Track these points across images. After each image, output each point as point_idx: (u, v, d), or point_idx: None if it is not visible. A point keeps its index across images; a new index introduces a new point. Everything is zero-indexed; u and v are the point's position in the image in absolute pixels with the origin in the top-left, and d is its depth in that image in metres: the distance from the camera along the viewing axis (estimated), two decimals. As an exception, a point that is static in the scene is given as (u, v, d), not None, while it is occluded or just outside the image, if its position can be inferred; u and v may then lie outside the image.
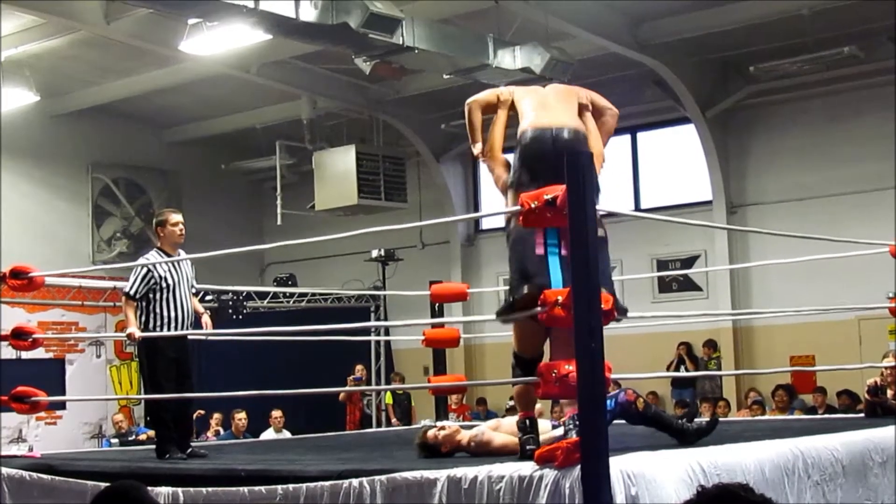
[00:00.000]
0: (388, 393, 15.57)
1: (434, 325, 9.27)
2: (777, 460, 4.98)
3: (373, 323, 14.28)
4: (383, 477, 4.76)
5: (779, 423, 9.51)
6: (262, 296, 15.72)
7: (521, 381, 5.37)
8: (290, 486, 5.01)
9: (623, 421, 5.92)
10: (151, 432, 11.34)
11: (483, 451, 5.63)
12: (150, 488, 4.38)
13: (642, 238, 14.94)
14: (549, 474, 4.28)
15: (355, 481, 4.81)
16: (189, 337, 7.44)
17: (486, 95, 5.85)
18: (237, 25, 11.30)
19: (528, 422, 5.36)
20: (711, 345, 15.18)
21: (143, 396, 11.95)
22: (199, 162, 18.52)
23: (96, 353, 16.95)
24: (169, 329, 7.12)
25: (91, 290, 14.79)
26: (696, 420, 6.00)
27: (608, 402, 5.15)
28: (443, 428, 5.97)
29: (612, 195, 14.54)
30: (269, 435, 12.63)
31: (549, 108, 5.60)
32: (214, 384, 12.39)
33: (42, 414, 15.29)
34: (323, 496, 4.87)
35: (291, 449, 7.83)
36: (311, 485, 4.95)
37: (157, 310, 7.13)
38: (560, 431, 5.39)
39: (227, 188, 18.92)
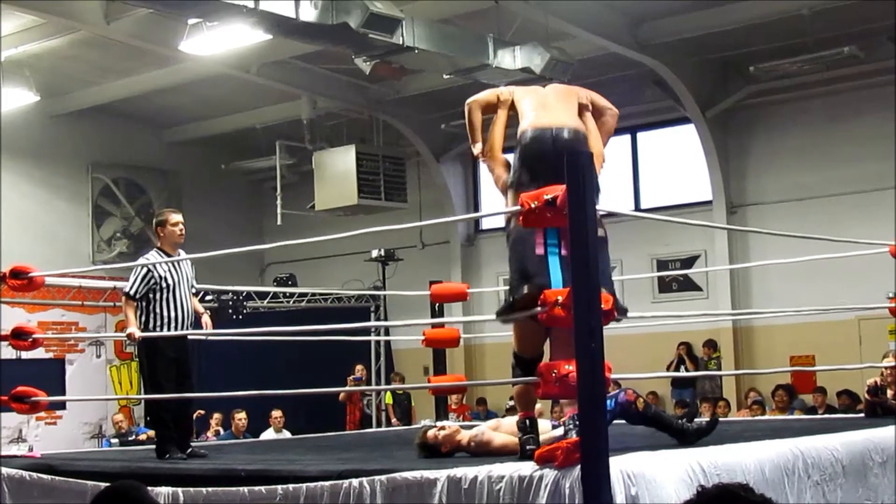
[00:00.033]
0: (388, 393, 15.57)
1: (434, 325, 9.27)
2: (777, 460, 4.98)
3: (373, 323, 14.29)
4: (383, 477, 4.76)
5: (779, 423, 9.51)
6: (262, 296, 15.73)
7: (521, 381, 5.37)
8: (290, 486, 5.01)
9: (623, 421, 5.92)
10: (151, 432, 11.34)
11: (483, 451, 5.63)
12: (150, 488, 4.38)
13: (642, 238, 14.94)
14: (549, 474, 4.28)
15: (355, 481, 4.81)
16: (189, 337, 7.44)
17: (486, 95, 5.85)
18: (237, 25, 11.30)
19: (528, 422, 5.36)
20: (711, 345, 15.19)
21: (143, 396, 11.95)
22: (199, 162, 18.52)
23: (96, 353, 16.95)
24: (169, 329, 7.12)
25: (91, 290, 14.79)
26: (695, 420, 6.00)
27: (608, 402, 5.15)
28: (443, 428, 5.97)
29: (612, 195, 14.55)
30: (269, 435, 12.63)
31: (549, 108, 5.60)
32: (214, 384, 12.39)
33: (42, 414, 15.29)
34: (323, 496, 4.87)
35: (291, 449, 7.83)
36: (311, 485, 4.95)
37: (158, 310, 7.13)
38: (560, 431, 5.39)
39: (227, 188, 18.92)
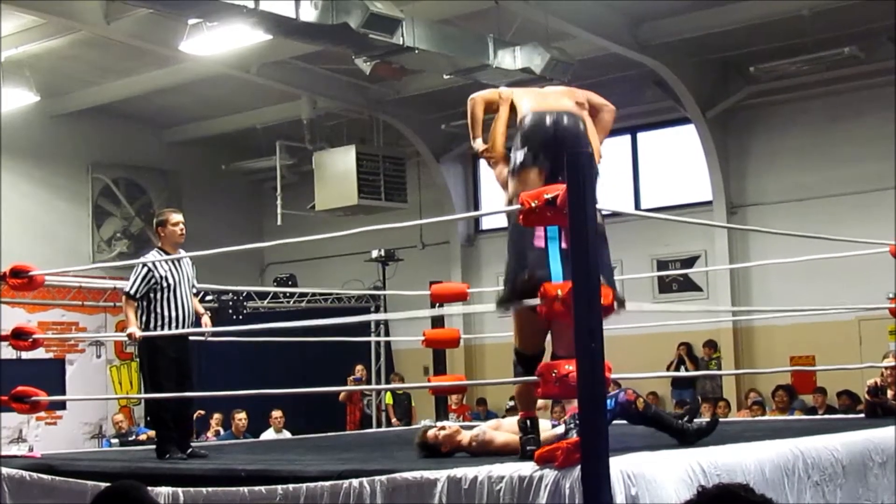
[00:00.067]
0: (388, 393, 15.58)
1: (434, 319, 9.26)
2: (777, 460, 4.97)
3: (373, 316, 14.25)
4: (383, 477, 4.76)
5: (779, 423, 9.51)
6: (262, 296, 15.75)
7: (522, 380, 5.37)
8: (290, 487, 5.01)
9: (623, 421, 5.92)
10: (151, 432, 11.34)
11: (484, 451, 5.63)
12: (150, 488, 4.38)
13: (642, 238, 14.94)
14: (549, 474, 4.28)
15: (355, 481, 4.81)
16: (189, 337, 7.44)
17: (489, 93, 5.88)
18: (237, 25, 11.30)
19: (528, 422, 5.36)
20: (711, 345, 15.19)
21: (143, 396, 11.96)
22: (199, 162, 18.52)
23: (96, 354, 16.95)
24: (169, 329, 7.12)
25: (91, 290, 14.82)
26: (696, 420, 6.00)
27: (608, 401, 5.14)
28: (443, 428, 5.97)
29: (612, 195, 14.56)
30: (269, 435, 12.63)
31: (548, 98, 5.66)
32: (214, 384, 12.39)
33: (42, 414, 15.29)
34: (323, 496, 4.87)
35: (291, 449, 7.83)
36: (311, 485, 4.95)
37: (158, 310, 7.13)
38: (561, 430, 5.39)
39: (228, 188, 18.92)
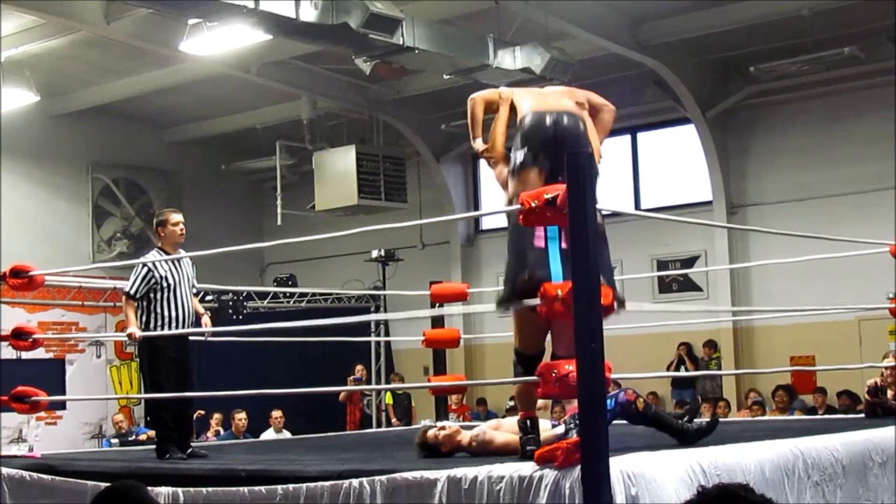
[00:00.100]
0: (388, 393, 15.58)
1: (434, 318, 9.26)
2: (777, 460, 4.98)
3: (373, 316, 14.26)
4: (383, 477, 4.76)
5: (779, 423, 9.51)
6: (262, 296, 15.75)
7: (521, 380, 5.37)
8: (290, 487, 5.01)
9: (623, 421, 5.92)
10: (151, 432, 11.34)
11: (484, 451, 5.63)
12: (150, 488, 4.38)
13: (642, 238, 14.94)
14: (549, 474, 4.28)
15: (355, 481, 4.81)
16: (189, 337, 7.44)
17: (489, 93, 5.88)
18: (237, 25, 11.30)
19: (528, 422, 5.36)
20: (712, 345, 15.19)
21: (143, 396, 11.96)
22: (199, 162, 18.52)
23: (96, 354, 16.95)
24: (170, 329, 7.12)
25: (91, 290, 14.81)
26: (696, 420, 6.00)
27: (608, 401, 5.14)
28: (443, 428, 5.97)
29: (612, 195, 14.56)
30: (269, 435, 12.63)
31: (548, 98, 5.66)
32: (214, 384, 12.39)
33: (42, 414, 15.29)
34: (323, 496, 4.87)
35: (291, 449, 7.82)
36: (311, 485, 4.95)
37: (158, 310, 7.13)
38: (561, 429, 5.39)
39: (228, 188, 18.92)
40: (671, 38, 13.81)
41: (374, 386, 16.97)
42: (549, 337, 5.45)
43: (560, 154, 4.72)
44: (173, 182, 18.32)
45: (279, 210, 16.59)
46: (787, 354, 14.44)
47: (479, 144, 5.84)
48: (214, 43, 12.45)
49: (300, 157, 17.04)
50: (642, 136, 16.18)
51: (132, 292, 7.14)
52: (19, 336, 7.45)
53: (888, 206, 13.24)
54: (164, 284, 7.13)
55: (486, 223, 17.51)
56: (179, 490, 5.38)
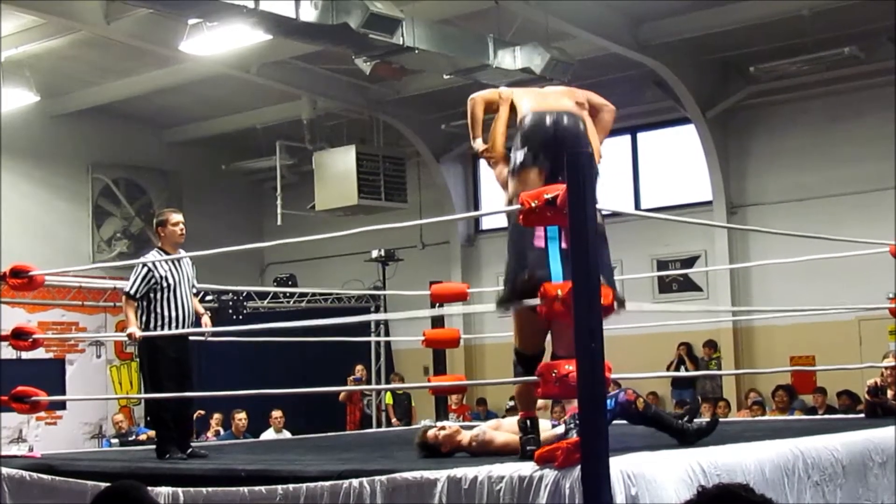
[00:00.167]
0: (388, 393, 15.58)
1: (434, 319, 9.26)
2: (777, 460, 4.98)
3: (373, 316, 14.27)
4: (383, 477, 4.76)
5: (779, 423, 9.51)
6: (263, 296, 15.75)
7: (521, 380, 5.37)
8: (290, 487, 5.01)
9: (623, 421, 5.92)
10: (151, 432, 11.34)
11: (484, 451, 5.63)
12: (150, 488, 4.38)
13: (642, 238, 14.94)
14: (549, 474, 4.28)
15: (355, 481, 4.81)
16: (189, 337, 7.44)
17: (489, 93, 5.88)
18: (237, 26, 11.30)
19: (528, 422, 5.36)
20: (712, 345, 15.19)
21: (143, 396, 11.96)
22: (199, 162, 18.53)
23: (96, 354, 16.95)
24: (170, 329, 7.12)
25: (91, 290, 14.81)
26: (696, 420, 6.00)
27: (608, 401, 5.14)
28: (443, 428, 5.96)
29: (612, 195, 14.56)
30: (269, 435, 12.63)
31: (547, 98, 5.67)
32: (214, 384, 12.39)
33: (42, 414, 15.29)
34: (323, 496, 4.87)
35: (291, 449, 7.82)
36: (311, 485, 4.95)
37: (158, 310, 7.13)
38: (561, 429, 5.40)
39: (228, 188, 18.92)
40: (671, 39, 13.81)
41: (374, 386, 16.97)
42: (549, 337, 5.46)
43: (560, 154, 4.72)
44: (173, 182, 18.32)
45: (279, 210, 16.59)
46: (787, 354, 14.44)
47: (478, 144, 5.84)
48: (214, 43, 12.45)
49: (300, 157, 17.04)
50: (642, 136, 16.18)
51: (132, 292, 7.14)
52: (19, 336, 7.45)
53: (888, 207, 13.24)
54: (164, 284, 7.13)
55: (486, 223, 17.51)
56: (179, 490, 5.38)
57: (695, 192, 15.68)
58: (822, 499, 5.14)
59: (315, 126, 16.41)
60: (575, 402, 4.47)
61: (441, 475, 4.60)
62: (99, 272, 14.83)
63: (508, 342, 5.64)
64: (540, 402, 5.69)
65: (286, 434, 12.50)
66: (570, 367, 4.28)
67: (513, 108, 5.72)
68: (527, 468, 4.39)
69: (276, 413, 13.12)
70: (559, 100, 5.64)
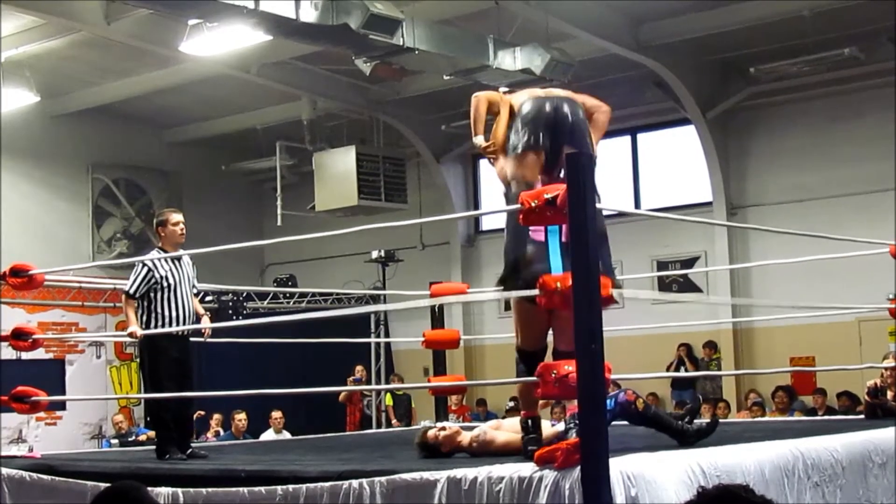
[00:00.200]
0: (388, 394, 15.58)
1: (434, 319, 9.27)
2: (777, 461, 4.98)
3: (373, 307, 14.25)
4: (383, 478, 4.76)
5: (779, 424, 9.51)
6: (263, 296, 15.75)
7: (521, 380, 5.37)
8: (290, 487, 5.01)
9: (624, 421, 5.92)
10: (151, 433, 11.34)
11: (485, 452, 5.62)
12: (150, 489, 4.38)
13: (642, 239, 14.93)
14: (549, 475, 4.28)
15: (355, 482, 4.81)
16: (190, 337, 7.44)
17: (491, 93, 5.90)
18: (237, 26, 11.30)
19: (530, 421, 5.36)
20: (712, 346, 15.19)
21: (143, 396, 11.96)
22: (199, 162, 18.53)
23: (96, 354, 16.95)
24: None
25: (91, 290, 14.81)
26: (695, 421, 6.00)
27: (608, 402, 5.15)
28: (443, 428, 5.96)
29: (613, 196, 14.56)
30: (269, 436, 12.63)
31: (547, 90, 5.73)
32: (214, 384, 12.40)
33: (42, 414, 15.29)
34: (323, 497, 4.87)
35: (291, 450, 7.82)
36: (311, 486, 4.95)
37: (159, 310, 7.13)
38: (561, 427, 5.40)
39: (228, 189, 18.92)
40: (671, 39, 13.81)
41: (374, 386, 16.97)
42: (549, 336, 5.46)
43: (559, 137, 4.73)
44: (173, 182, 18.32)
45: (279, 210, 16.59)
46: (787, 355, 14.44)
47: (480, 140, 5.83)
48: (214, 43, 12.45)
49: (300, 157, 17.04)
50: (642, 137, 16.18)
51: (132, 292, 7.13)
52: (19, 336, 7.45)
53: (888, 207, 13.24)
54: (165, 284, 7.13)
55: (486, 224, 17.51)
56: (179, 490, 5.38)
57: (695, 192, 15.68)
58: (821, 499, 5.15)
59: (315, 126, 16.41)
60: (575, 402, 4.47)
61: (441, 476, 4.60)
62: (99, 272, 14.83)
63: (508, 343, 5.64)
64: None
65: (286, 434, 12.50)
66: (569, 368, 4.28)
67: (512, 111, 5.73)
68: (526, 469, 4.39)
69: (276, 413, 13.12)
70: (559, 92, 5.69)
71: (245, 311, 14.90)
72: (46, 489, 6.21)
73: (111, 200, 17.69)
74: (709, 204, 15.35)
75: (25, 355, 11.31)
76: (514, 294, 5.28)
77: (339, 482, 4.86)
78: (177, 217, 7.37)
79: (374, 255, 16.41)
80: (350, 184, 15.62)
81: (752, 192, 15.24)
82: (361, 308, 14.83)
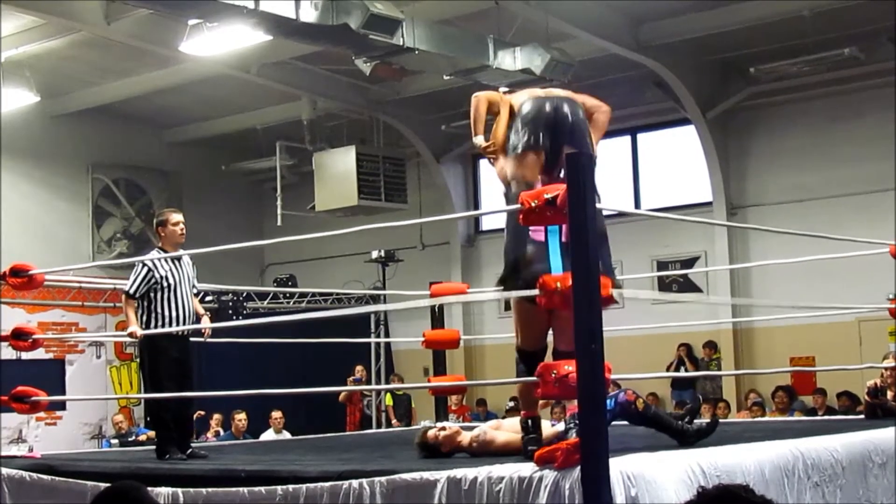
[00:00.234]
0: (388, 394, 15.58)
1: (434, 319, 9.27)
2: (777, 461, 4.98)
3: (372, 307, 14.26)
4: (383, 478, 4.76)
5: (779, 424, 9.51)
6: (263, 296, 15.75)
7: (521, 380, 5.37)
8: (290, 487, 5.01)
9: (624, 421, 5.92)
10: (151, 433, 11.34)
11: (485, 452, 5.62)
12: (150, 489, 4.38)
13: (642, 239, 14.93)
14: (549, 475, 4.28)
15: (355, 482, 4.81)
16: (190, 337, 7.44)
17: (491, 93, 5.90)
18: (237, 26, 11.30)
19: (530, 421, 5.36)
20: (712, 346, 15.19)
21: (143, 396, 11.96)
22: (199, 162, 18.53)
23: (96, 354, 16.95)
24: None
25: (91, 290, 14.80)
26: (696, 421, 6.00)
27: (608, 402, 5.15)
28: (443, 428, 5.96)
29: (613, 196, 14.56)
30: (268, 436, 12.63)
31: (547, 90, 5.73)
32: (214, 384, 12.40)
33: (42, 414, 15.29)
34: (323, 497, 4.87)
35: (291, 450, 7.82)
36: (311, 486, 4.95)
37: (159, 310, 7.13)
38: (562, 427, 5.40)
39: (228, 189, 18.92)
40: (671, 39, 13.81)
41: (374, 386, 16.97)
42: (549, 336, 5.46)
43: (559, 136, 4.73)
44: (173, 182, 18.32)
45: (279, 210, 16.59)
46: (787, 355, 14.44)
47: (480, 140, 5.83)
48: (214, 43, 12.45)
49: (300, 157, 17.04)
50: (642, 137, 16.18)
51: (132, 292, 7.13)
52: (19, 336, 7.45)
53: (888, 207, 13.24)
54: (165, 284, 7.13)
55: (486, 224, 17.51)
56: (179, 490, 5.38)
57: (695, 192, 15.68)
58: (821, 499, 5.15)
59: (315, 126, 16.41)
60: (575, 402, 4.47)
61: (441, 476, 4.60)
62: (99, 272, 14.83)
63: (508, 343, 5.64)
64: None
65: (286, 434, 12.50)
66: (569, 368, 4.28)
67: (512, 111, 5.73)
68: (526, 469, 4.39)
69: (276, 413, 13.12)
70: (559, 92, 5.69)
71: (245, 311, 14.90)
72: (46, 489, 6.21)
73: (111, 200, 17.69)
74: (709, 204, 15.35)
75: (25, 355, 11.31)
76: (514, 294, 5.28)
77: (339, 482, 4.86)
78: (177, 217, 7.37)
79: (374, 255, 16.41)
80: (350, 184, 15.62)
81: (752, 192, 15.24)
82: (361, 308, 14.85)
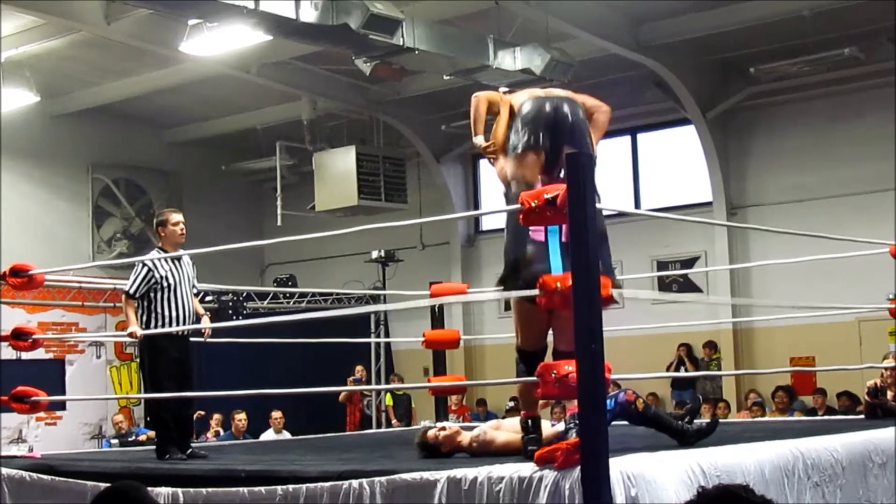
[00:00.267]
0: (388, 394, 15.58)
1: (434, 319, 9.28)
2: (777, 461, 4.98)
3: (372, 307, 14.26)
4: (383, 478, 4.76)
5: (779, 424, 9.51)
6: (263, 296, 15.75)
7: (521, 380, 5.37)
8: (290, 487, 5.01)
9: (624, 421, 5.92)
10: (151, 433, 11.34)
11: (485, 452, 5.62)
12: (150, 489, 4.38)
13: (642, 239, 14.93)
14: (549, 475, 4.28)
15: (355, 482, 4.81)
16: (190, 337, 7.44)
17: (491, 93, 5.90)
18: (237, 26, 11.30)
19: (530, 421, 5.36)
20: (712, 346, 15.19)
21: (143, 396, 11.96)
22: (199, 162, 18.53)
23: (96, 354, 16.95)
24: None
25: (91, 290, 14.81)
26: (696, 421, 6.00)
27: (608, 402, 5.15)
28: (443, 428, 5.96)
29: (613, 196, 14.56)
30: (268, 436, 12.63)
31: (547, 90, 5.73)
32: (214, 384, 12.40)
33: (42, 414, 15.29)
34: (323, 497, 4.87)
35: (291, 450, 7.82)
36: (311, 486, 4.95)
37: (159, 310, 7.13)
38: (562, 427, 5.40)
39: (228, 189, 18.92)
40: (671, 39, 13.81)
41: (374, 386, 16.97)
42: (549, 336, 5.46)
43: (559, 136, 4.73)
44: (173, 182, 18.32)
45: (279, 210, 16.59)
46: (787, 355, 14.44)
47: (480, 140, 5.83)
48: (214, 43, 12.45)
49: (300, 157, 17.04)
50: (642, 137, 16.18)
51: (132, 292, 7.13)
52: (19, 336, 7.45)
53: (888, 207, 13.24)
54: (165, 284, 7.13)
55: (486, 224, 17.51)
56: (179, 490, 5.38)
57: (695, 192, 15.68)
58: (821, 499, 5.15)
59: (315, 126, 16.41)
60: (575, 402, 4.47)
61: (441, 476, 4.60)
62: (99, 272, 14.83)
63: (508, 343, 5.64)
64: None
65: (286, 434, 12.50)
66: (569, 368, 4.28)
67: (512, 111, 5.73)
68: (526, 469, 4.39)
69: (276, 413, 13.12)
70: (559, 92, 5.69)
71: (245, 311, 14.90)
72: (46, 489, 6.21)
73: (111, 200, 17.69)
74: (709, 204, 15.35)
75: (25, 355, 11.31)
76: (514, 294, 5.28)
77: (339, 482, 4.86)
78: (177, 217, 7.37)
79: (374, 255, 16.40)
80: (350, 184, 15.62)
81: (752, 192, 15.24)
82: (361, 308, 14.85)
